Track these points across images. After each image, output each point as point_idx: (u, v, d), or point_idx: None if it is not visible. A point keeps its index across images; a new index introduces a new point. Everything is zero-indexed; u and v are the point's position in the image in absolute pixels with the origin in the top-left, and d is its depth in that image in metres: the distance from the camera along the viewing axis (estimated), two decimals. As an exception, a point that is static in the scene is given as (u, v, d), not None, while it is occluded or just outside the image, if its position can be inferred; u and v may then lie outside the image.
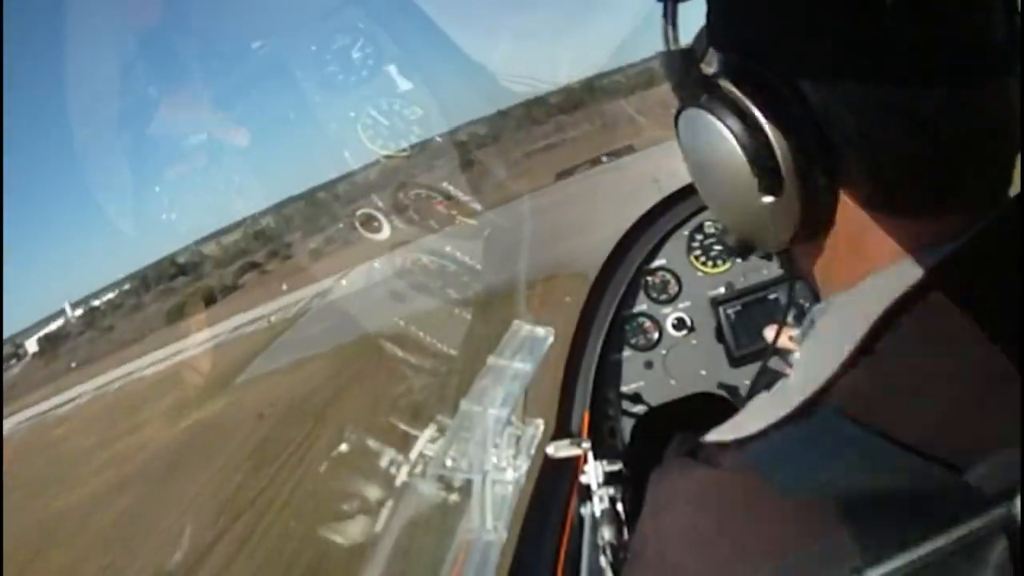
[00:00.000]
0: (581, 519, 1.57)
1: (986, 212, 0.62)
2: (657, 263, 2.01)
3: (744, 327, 1.92)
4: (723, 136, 0.66)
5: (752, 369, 1.90)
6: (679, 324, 1.96)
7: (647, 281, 2.00)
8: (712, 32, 0.71)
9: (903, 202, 0.64)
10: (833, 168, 0.64)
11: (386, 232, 2.41)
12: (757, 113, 0.64)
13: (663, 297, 1.99)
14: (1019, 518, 0.50)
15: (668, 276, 2.00)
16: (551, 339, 1.93)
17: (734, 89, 0.66)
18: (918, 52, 0.59)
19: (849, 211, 0.66)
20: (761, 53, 0.65)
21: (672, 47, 0.71)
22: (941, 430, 0.57)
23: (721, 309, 1.94)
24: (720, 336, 1.95)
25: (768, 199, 0.66)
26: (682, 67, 0.71)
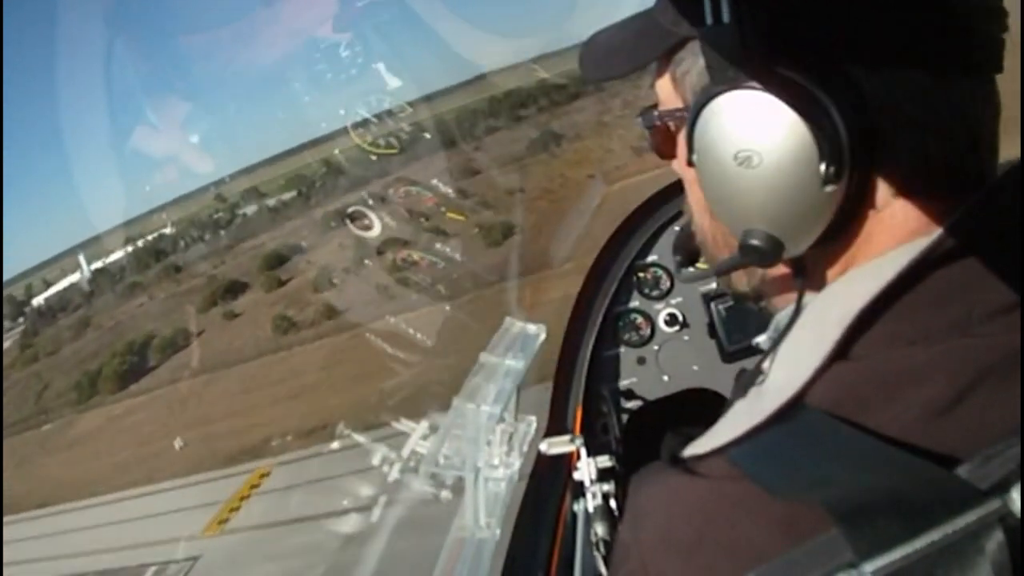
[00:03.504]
0: (574, 516, 1.56)
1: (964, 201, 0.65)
2: (649, 259, 2.00)
3: (736, 323, 1.92)
4: (790, 121, 0.62)
5: (745, 364, 1.91)
6: (671, 320, 1.96)
7: (639, 277, 2.00)
8: (739, 16, 0.64)
9: (932, 183, 0.66)
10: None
11: (376, 229, 2.40)
12: (823, 97, 0.62)
13: (655, 293, 1.99)
14: (1017, 511, 0.50)
15: (660, 272, 2.00)
16: (543, 336, 1.92)
17: (792, 72, 0.63)
18: (959, 44, 0.63)
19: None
20: (804, 39, 0.63)
21: (723, 20, 0.62)
22: (926, 427, 0.57)
23: (713, 305, 1.94)
24: (712, 332, 1.95)
25: (831, 188, 0.63)
26: (735, 45, 0.62)
